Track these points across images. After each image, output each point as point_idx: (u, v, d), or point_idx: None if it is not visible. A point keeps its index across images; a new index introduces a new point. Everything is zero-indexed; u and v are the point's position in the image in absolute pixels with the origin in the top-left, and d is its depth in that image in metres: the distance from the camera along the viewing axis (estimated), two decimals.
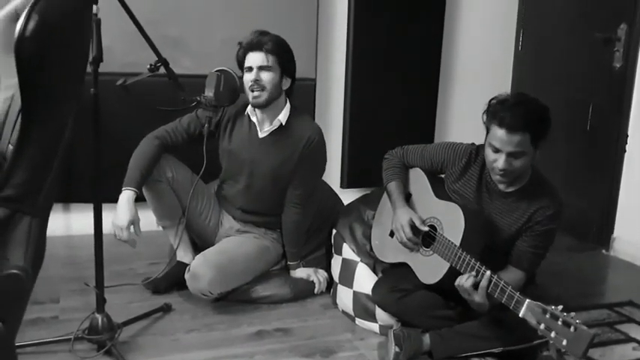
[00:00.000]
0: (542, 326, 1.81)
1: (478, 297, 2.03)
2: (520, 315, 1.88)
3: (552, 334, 1.77)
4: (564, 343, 1.73)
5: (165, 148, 2.62)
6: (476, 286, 2.04)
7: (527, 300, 1.87)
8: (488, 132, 2.15)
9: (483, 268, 2.03)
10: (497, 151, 2.10)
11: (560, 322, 1.76)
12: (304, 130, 2.59)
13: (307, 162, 2.60)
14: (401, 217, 2.35)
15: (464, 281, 2.05)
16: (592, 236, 3.66)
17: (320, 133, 2.63)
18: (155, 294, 2.66)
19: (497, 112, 2.09)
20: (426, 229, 2.29)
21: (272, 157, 2.60)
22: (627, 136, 3.43)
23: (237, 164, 2.67)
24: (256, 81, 2.47)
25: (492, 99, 2.16)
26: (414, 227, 2.31)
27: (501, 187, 2.23)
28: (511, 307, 1.92)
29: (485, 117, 2.16)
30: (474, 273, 2.04)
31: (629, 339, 2.50)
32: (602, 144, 3.59)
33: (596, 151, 3.64)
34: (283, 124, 2.57)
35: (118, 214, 2.41)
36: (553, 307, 1.82)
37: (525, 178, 2.21)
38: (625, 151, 3.45)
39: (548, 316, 1.80)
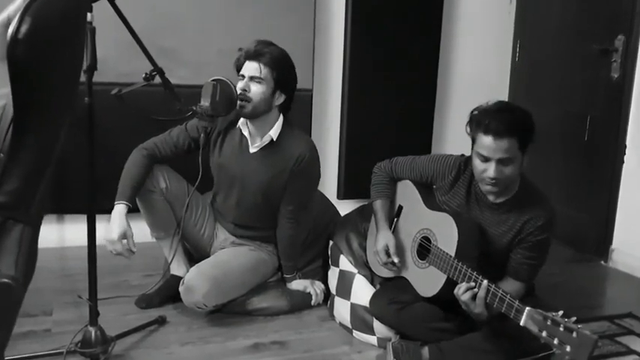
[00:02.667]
0: (544, 334, 1.77)
1: (476, 307, 2.00)
2: (521, 323, 1.84)
3: (555, 342, 1.72)
4: (568, 349, 1.69)
5: (154, 159, 2.58)
6: (474, 296, 2.01)
7: (528, 308, 1.83)
8: (474, 142, 2.13)
9: (480, 278, 2.00)
10: (486, 160, 2.07)
11: (561, 329, 1.72)
12: (295, 146, 2.52)
13: (298, 179, 2.55)
14: (378, 243, 2.37)
15: (461, 292, 2.02)
16: (590, 248, 3.63)
17: (312, 149, 2.57)
18: (148, 309, 2.61)
19: (481, 120, 2.07)
20: (397, 260, 2.30)
21: (262, 173, 2.55)
22: (625, 147, 3.42)
23: (228, 178, 2.63)
24: (244, 91, 2.43)
25: (474, 110, 2.14)
26: (399, 247, 2.33)
27: (490, 198, 2.20)
28: (511, 316, 1.88)
29: (468, 128, 2.14)
30: (472, 284, 2.01)
31: (630, 351, 2.47)
32: (600, 155, 3.57)
33: (594, 163, 3.62)
34: (274, 139, 2.52)
35: (110, 228, 2.39)
36: (553, 313, 1.78)
37: (514, 188, 2.19)
38: (623, 162, 3.43)
39: (549, 322, 1.76)
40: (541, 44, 4.01)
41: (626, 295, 3.14)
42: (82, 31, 1.40)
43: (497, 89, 4.17)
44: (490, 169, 2.07)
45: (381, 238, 2.36)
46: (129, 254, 2.40)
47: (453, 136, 4.05)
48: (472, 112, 2.14)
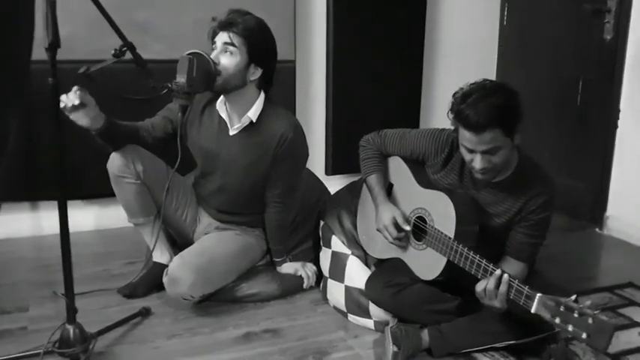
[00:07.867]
0: (557, 320, 1.67)
1: (498, 302, 1.87)
2: (532, 311, 1.74)
3: (570, 328, 1.63)
4: (584, 336, 1.60)
5: (140, 129, 2.42)
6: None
7: (539, 294, 1.73)
8: (457, 132, 1.98)
9: (484, 261, 1.89)
10: (471, 151, 1.95)
11: (576, 315, 1.62)
12: (277, 126, 2.35)
13: (283, 161, 2.39)
14: (383, 216, 2.21)
15: (491, 287, 1.86)
16: (585, 215, 3.56)
17: (295, 128, 2.40)
18: (132, 299, 2.48)
19: (460, 111, 1.90)
20: (409, 228, 2.16)
21: (244, 157, 2.39)
22: (619, 110, 3.33)
23: (209, 163, 2.48)
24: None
25: (455, 93, 1.97)
26: (398, 224, 2.18)
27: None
28: (521, 303, 1.78)
29: (450, 114, 1.97)
30: (497, 273, 1.86)
31: (633, 323, 2.40)
32: (593, 120, 3.48)
33: (587, 128, 3.53)
34: (253, 121, 2.36)
35: None
36: (566, 298, 1.68)
37: (512, 166, 2.05)
38: (617, 126, 3.35)
39: (562, 309, 1.66)
40: (530, 5, 3.87)
41: (623, 264, 3.07)
42: (24, 3, 1.22)
43: (485, 53, 4.06)
44: (477, 160, 1.94)
45: (385, 212, 2.21)
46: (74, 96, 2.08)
47: (441, 104, 3.89)
48: (453, 95, 1.97)
